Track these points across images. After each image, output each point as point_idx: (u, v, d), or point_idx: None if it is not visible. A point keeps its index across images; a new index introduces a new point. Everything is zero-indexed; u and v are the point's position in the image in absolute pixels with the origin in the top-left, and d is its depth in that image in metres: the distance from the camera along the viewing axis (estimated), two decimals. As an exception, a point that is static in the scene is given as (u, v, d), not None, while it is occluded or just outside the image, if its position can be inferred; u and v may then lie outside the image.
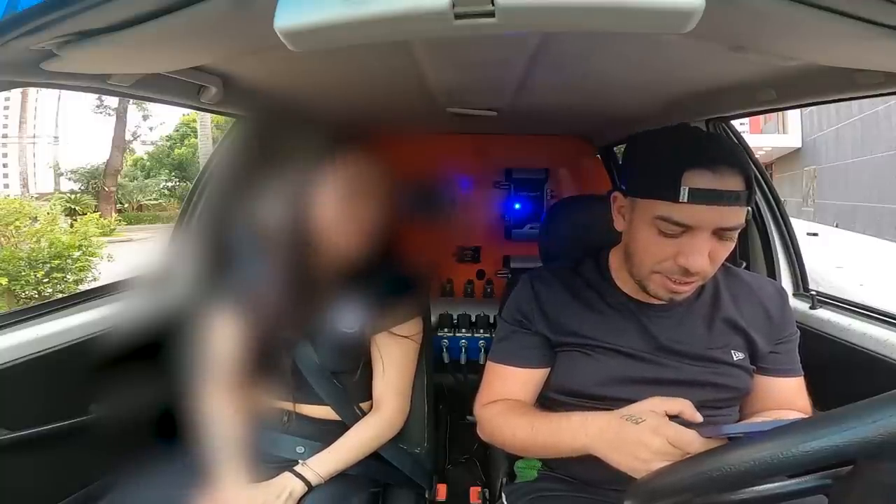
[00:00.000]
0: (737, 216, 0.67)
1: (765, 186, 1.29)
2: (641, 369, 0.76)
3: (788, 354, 0.80)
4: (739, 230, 0.69)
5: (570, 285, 0.82)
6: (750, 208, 0.70)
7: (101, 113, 19.47)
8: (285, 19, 0.41)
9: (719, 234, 0.68)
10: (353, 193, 0.86)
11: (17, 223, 5.74)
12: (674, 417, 0.63)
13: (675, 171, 0.66)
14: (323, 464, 0.89)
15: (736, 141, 0.70)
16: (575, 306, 0.80)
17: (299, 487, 0.86)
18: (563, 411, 0.75)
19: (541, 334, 0.81)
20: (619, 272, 0.82)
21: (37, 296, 5.14)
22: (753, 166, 1.27)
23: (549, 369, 0.82)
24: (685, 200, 0.65)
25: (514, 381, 0.82)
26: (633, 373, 0.76)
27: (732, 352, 0.77)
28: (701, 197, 0.65)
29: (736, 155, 0.68)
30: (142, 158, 22.17)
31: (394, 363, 0.95)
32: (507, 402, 0.81)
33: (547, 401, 0.83)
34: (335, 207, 0.85)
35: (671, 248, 0.69)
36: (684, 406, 0.63)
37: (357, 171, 0.86)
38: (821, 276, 5.80)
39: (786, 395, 0.79)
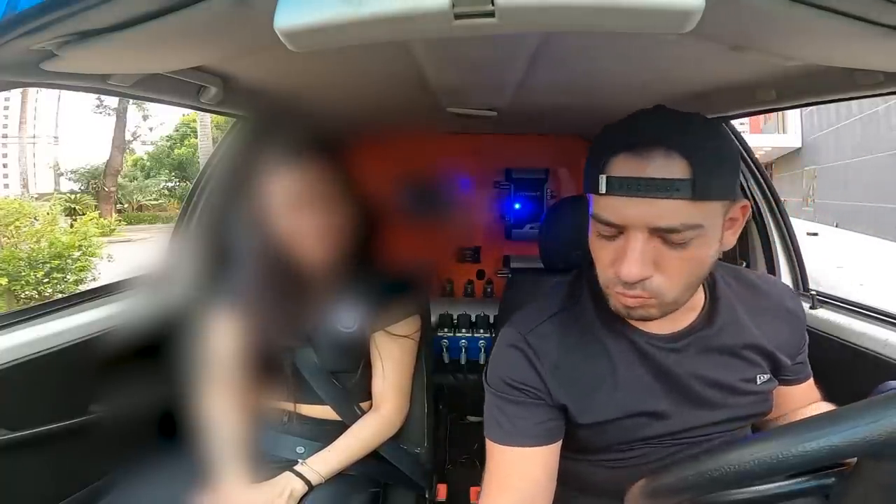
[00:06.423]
0: (675, 212, 0.53)
1: (765, 186, 1.29)
2: (656, 427, 0.66)
3: (805, 361, 0.75)
4: (691, 232, 0.54)
5: (574, 342, 0.66)
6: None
7: (101, 113, 19.56)
8: (285, 19, 0.41)
9: (661, 235, 0.54)
10: (313, 200, 0.84)
11: (17, 223, 5.75)
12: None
13: (601, 159, 0.56)
14: (323, 463, 0.89)
15: (693, 119, 0.57)
16: (588, 371, 0.65)
17: (300, 487, 0.86)
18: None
19: (559, 408, 0.66)
20: None
21: (37, 296, 5.14)
22: (752, 163, 1.28)
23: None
24: (604, 192, 0.55)
25: (534, 464, 0.65)
26: (643, 432, 0.66)
27: (757, 377, 0.68)
28: (619, 187, 0.54)
29: (683, 134, 0.54)
30: (142, 158, 22.21)
31: (392, 362, 0.95)
32: None
33: None
34: (296, 213, 0.83)
35: (611, 254, 0.58)
36: None
37: (318, 177, 0.85)
38: (821, 275, 5.81)
39: (804, 396, 0.76)
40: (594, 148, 0.59)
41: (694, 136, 0.54)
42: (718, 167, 0.54)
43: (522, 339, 0.67)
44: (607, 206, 0.56)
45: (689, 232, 0.54)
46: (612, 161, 0.55)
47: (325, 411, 0.94)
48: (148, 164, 21.54)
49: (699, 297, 0.67)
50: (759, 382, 0.68)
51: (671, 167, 0.52)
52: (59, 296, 4.18)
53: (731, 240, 0.61)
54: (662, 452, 0.67)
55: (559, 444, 0.67)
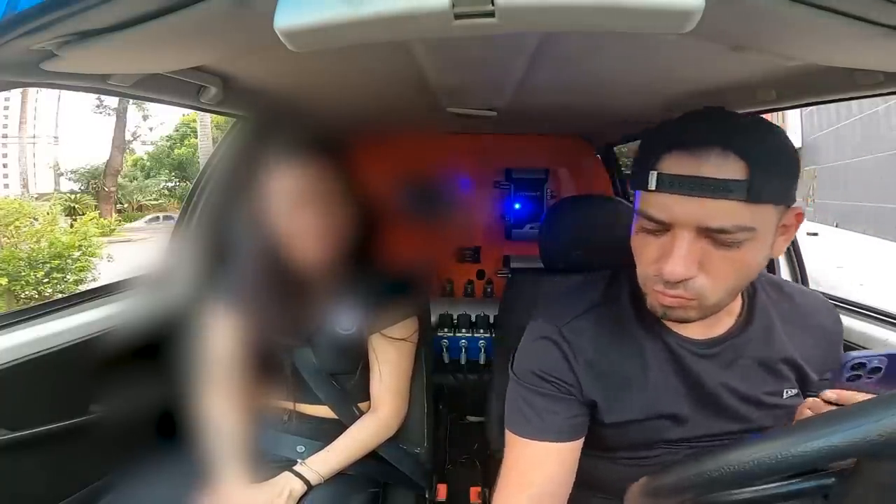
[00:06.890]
0: (728, 213, 0.51)
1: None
2: (675, 430, 0.66)
3: None
4: (743, 234, 0.52)
5: (609, 339, 0.65)
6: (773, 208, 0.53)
7: (101, 113, 19.56)
8: (285, 19, 0.41)
9: (710, 236, 0.53)
10: (313, 200, 0.84)
11: (17, 223, 5.76)
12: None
13: (652, 155, 0.55)
14: (322, 463, 0.89)
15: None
16: (621, 369, 0.65)
17: (299, 487, 0.86)
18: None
19: (587, 404, 0.65)
20: None
21: (37, 296, 5.15)
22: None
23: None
24: (653, 188, 0.54)
25: (556, 460, 0.64)
26: (664, 434, 0.66)
27: (785, 391, 0.66)
28: (671, 184, 0.53)
29: (741, 134, 0.53)
30: (142, 158, 22.24)
31: (389, 366, 0.95)
32: None
33: None
34: (296, 213, 0.83)
35: (655, 251, 0.57)
36: None
37: (318, 177, 0.84)
38: (821, 275, 5.81)
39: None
40: (644, 144, 0.58)
41: (752, 137, 0.53)
42: (776, 170, 0.52)
43: (557, 332, 0.66)
44: (656, 204, 0.55)
45: (740, 234, 0.52)
46: (664, 158, 0.54)
47: (325, 410, 0.94)
48: (148, 164, 21.57)
49: (737, 303, 0.66)
50: (785, 397, 0.66)
51: (727, 167, 0.51)
52: (59, 296, 4.19)
53: (782, 247, 0.59)
54: (679, 455, 0.67)
55: (581, 441, 0.66)
